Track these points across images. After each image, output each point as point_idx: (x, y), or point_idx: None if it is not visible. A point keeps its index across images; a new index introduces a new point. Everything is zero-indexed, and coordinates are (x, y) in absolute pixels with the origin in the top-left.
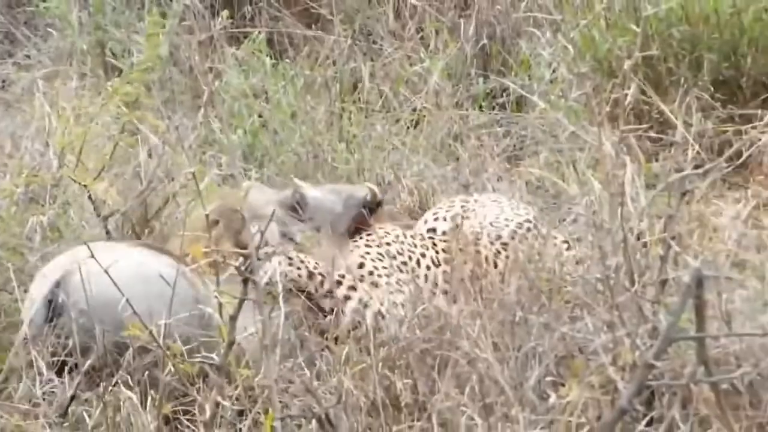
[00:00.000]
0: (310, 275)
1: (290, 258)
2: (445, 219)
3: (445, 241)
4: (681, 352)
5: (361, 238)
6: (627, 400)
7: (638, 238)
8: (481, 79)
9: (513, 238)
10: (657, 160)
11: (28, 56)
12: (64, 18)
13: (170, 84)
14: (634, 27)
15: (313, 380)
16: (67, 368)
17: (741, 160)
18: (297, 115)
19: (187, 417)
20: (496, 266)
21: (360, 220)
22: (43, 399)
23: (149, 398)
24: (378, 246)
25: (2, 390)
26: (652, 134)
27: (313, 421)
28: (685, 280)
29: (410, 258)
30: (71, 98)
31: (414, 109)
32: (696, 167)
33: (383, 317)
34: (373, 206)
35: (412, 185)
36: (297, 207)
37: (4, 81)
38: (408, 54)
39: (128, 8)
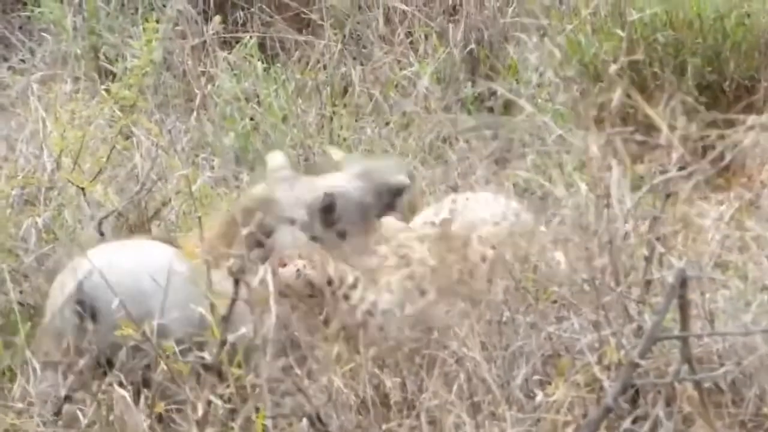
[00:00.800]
0: (329, 282)
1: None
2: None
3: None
4: (665, 351)
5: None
6: (612, 399)
7: (624, 239)
8: (469, 83)
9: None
10: (642, 163)
11: (23, 60)
12: (58, 23)
13: (164, 88)
14: (619, 32)
15: (303, 379)
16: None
17: (724, 163)
18: (288, 119)
19: (180, 415)
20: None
21: (390, 208)
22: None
23: (142, 396)
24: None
25: None
26: (638, 137)
27: (304, 420)
28: (669, 281)
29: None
30: (66, 102)
31: (403, 113)
32: (680, 169)
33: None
34: (404, 193)
35: None
36: (327, 210)
37: None
38: (397, 58)
39: (122, 13)
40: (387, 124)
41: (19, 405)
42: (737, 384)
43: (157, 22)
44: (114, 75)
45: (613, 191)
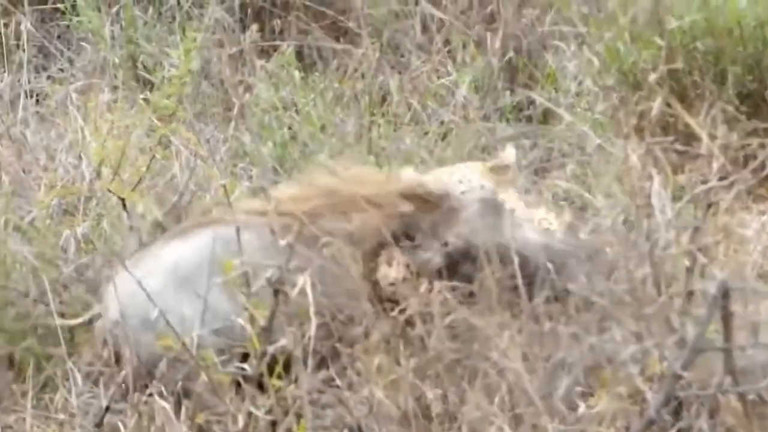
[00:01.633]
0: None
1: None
2: None
3: None
4: (708, 363)
5: None
6: (655, 411)
7: (665, 250)
8: (507, 92)
9: None
10: (682, 173)
11: (61, 70)
12: (96, 32)
13: (201, 97)
14: (658, 40)
15: (344, 391)
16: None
17: (766, 173)
18: (326, 128)
19: (220, 427)
20: None
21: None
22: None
23: (183, 408)
24: None
25: (39, 400)
26: (678, 146)
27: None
28: (711, 292)
29: None
30: (105, 111)
31: (442, 122)
32: (721, 179)
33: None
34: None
35: None
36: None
37: (38, 94)
38: (435, 67)
39: (159, 22)
40: (426, 133)
41: (61, 416)
42: None
43: (195, 30)
44: (152, 84)
45: (654, 201)
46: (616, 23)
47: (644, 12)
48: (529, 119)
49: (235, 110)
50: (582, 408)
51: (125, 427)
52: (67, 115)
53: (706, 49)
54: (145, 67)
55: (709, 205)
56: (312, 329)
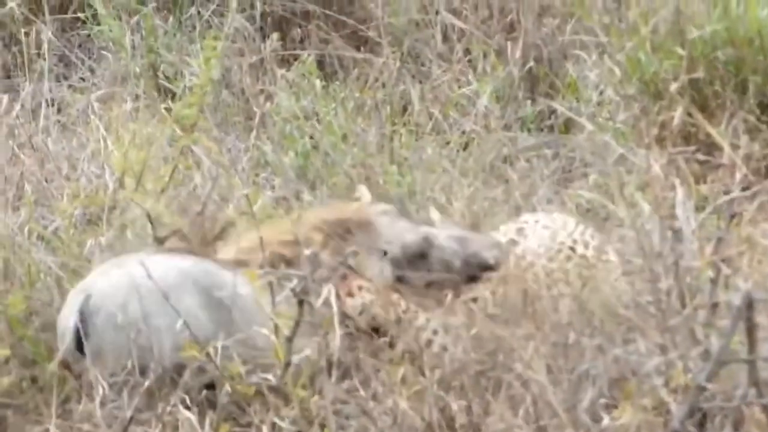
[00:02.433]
0: (398, 320)
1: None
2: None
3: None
4: (732, 374)
5: None
6: (679, 422)
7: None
8: (528, 102)
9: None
10: (705, 183)
11: (82, 79)
12: (117, 41)
13: (222, 106)
14: (679, 50)
15: (368, 401)
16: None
17: None
18: (348, 137)
19: None
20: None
21: (473, 280)
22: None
23: (207, 419)
24: None
25: (63, 410)
26: (700, 156)
27: None
28: (735, 303)
29: None
30: (126, 121)
31: (463, 132)
32: (744, 189)
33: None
34: (492, 269)
35: (463, 207)
36: (421, 256)
37: (59, 104)
38: (456, 77)
39: (179, 31)
40: (447, 143)
41: (85, 426)
42: None
43: (215, 39)
44: (173, 93)
45: (677, 212)
46: (638, 33)
47: (665, 22)
48: (551, 129)
49: (256, 119)
50: (606, 420)
51: None
52: (89, 124)
53: (727, 59)
54: (166, 76)
55: (733, 216)
56: (336, 340)
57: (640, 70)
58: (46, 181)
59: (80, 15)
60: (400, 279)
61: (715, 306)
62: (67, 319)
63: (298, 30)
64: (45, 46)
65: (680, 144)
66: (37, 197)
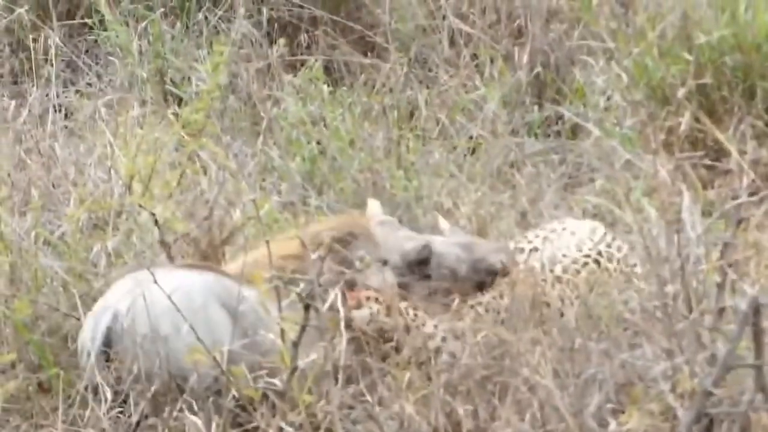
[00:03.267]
0: (406, 330)
1: (389, 309)
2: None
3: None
4: (739, 380)
5: None
6: (686, 428)
7: (695, 266)
8: (536, 107)
9: (566, 272)
10: (712, 188)
11: (89, 84)
12: (124, 47)
13: (229, 112)
14: (686, 55)
15: (375, 406)
16: (132, 394)
17: None
18: (355, 143)
19: None
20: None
21: (481, 286)
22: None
23: (213, 423)
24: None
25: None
26: (707, 162)
27: None
28: (742, 308)
29: None
30: (134, 126)
31: (470, 137)
32: (751, 194)
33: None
34: (500, 275)
35: (470, 212)
36: (422, 263)
37: (66, 109)
38: (463, 82)
39: (187, 37)
40: (454, 148)
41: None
42: None
43: (222, 45)
44: (180, 99)
45: (684, 217)
46: (645, 38)
47: (673, 27)
48: (558, 134)
49: (263, 125)
50: (613, 425)
51: None
52: (96, 129)
53: (734, 65)
54: (173, 81)
55: (740, 221)
56: (342, 344)
57: (647, 75)
58: (53, 187)
59: (88, 21)
60: (403, 287)
61: (721, 311)
62: (93, 341)
63: (305, 36)
64: (52, 51)
65: (687, 149)
66: (43, 202)
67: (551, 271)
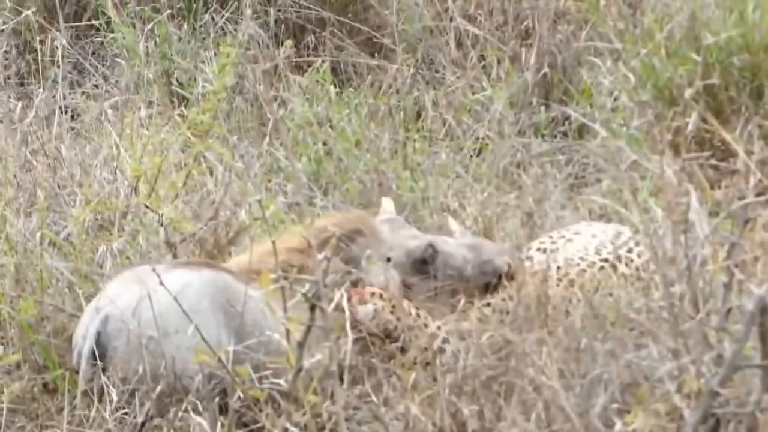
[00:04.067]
0: (409, 328)
1: (393, 306)
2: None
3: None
4: (746, 380)
5: None
6: (692, 428)
7: (702, 266)
8: (542, 108)
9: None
10: (719, 188)
11: (96, 86)
12: (131, 48)
13: (236, 113)
14: (694, 56)
15: (380, 406)
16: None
17: None
18: (361, 143)
19: None
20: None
21: (488, 288)
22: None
23: (218, 424)
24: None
25: (74, 416)
26: (714, 162)
27: None
28: (749, 308)
29: None
30: (139, 127)
31: (477, 138)
32: (758, 195)
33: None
34: (507, 277)
35: (476, 213)
36: (425, 262)
37: (73, 110)
38: (470, 83)
39: (194, 38)
40: (461, 149)
41: None
42: None
43: (229, 46)
44: (186, 100)
45: (691, 217)
46: (652, 39)
47: (680, 28)
48: (564, 135)
49: (270, 126)
50: (619, 425)
51: None
52: (102, 131)
53: (742, 65)
54: (179, 83)
55: (747, 221)
56: (348, 344)
57: (654, 76)
58: (59, 188)
59: (94, 22)
60: (406, 285)
61: (728, 311)
62: (84, 339)
63: (312, 37)
64: (59, 53)
65: (694, 150)
66: (49, 203)
67: (566, 274)
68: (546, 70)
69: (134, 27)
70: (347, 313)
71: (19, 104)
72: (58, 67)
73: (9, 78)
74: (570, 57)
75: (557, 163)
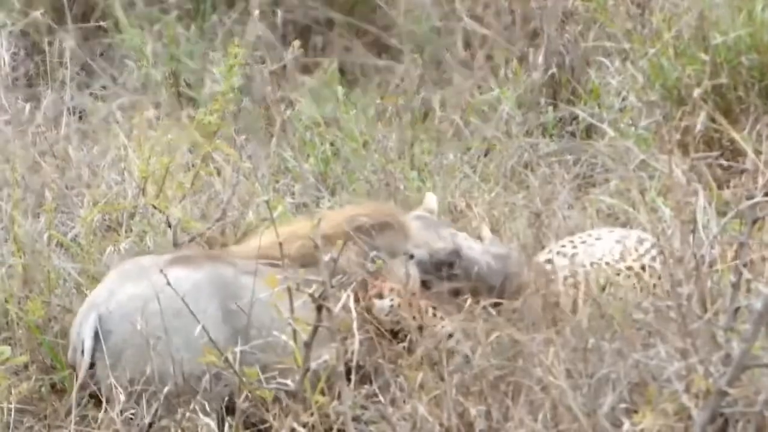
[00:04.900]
0: (420, 328)
1: (410, 303)
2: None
3: None
4: (754, 379)
5: None
6: (700, 428)
7: (710, 266)
8: (550, 108)
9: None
10: (727, 188)
11: (104, 87)
12: (139, 50)
13: (243, 113)
14: (702, 55)
15: (387, 407)
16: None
17: None
18: (369, 144)
19: None
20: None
21: (511, 296)
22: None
23: (226, 425)
24: None
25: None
26: (723, 161)
27: None
28: (757, 308)
29: None
30: (147, 128)
31: (484, 138)
32: (767, 194)
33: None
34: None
35: (484, 213)
36: (446, 264)
37: (81, 112)
38: (478, 83)
39: (201, 39)
40: (468, 149)
41: None
42: None
43: (237, 47)
44: (194, 101)
45: (698, 217)
46: (661, 39)
47: (689, 27)
48: (572, 135)
49: (277, 126)
50: (627, 425)
51: None
52: (110, 131)
53: (751, 65)
54: (187, 84)
55: (755, 221)
56: (355, 345)
57: (663, 75)
58: (67, 189)
59: (102, 24)
60: (425, 284)
61: (736, 310)
62: (81, 336)
63: (320, 37)
64: (67, 54)
65: (703, 149)
66: (57, 204)
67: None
68: (554, 70)
69: (142, 28)
70: (361, 305)
71: (28, 105)
72: (66, 68)
73: (17, 79)
74: (578, 57)
75: (565, 163)
